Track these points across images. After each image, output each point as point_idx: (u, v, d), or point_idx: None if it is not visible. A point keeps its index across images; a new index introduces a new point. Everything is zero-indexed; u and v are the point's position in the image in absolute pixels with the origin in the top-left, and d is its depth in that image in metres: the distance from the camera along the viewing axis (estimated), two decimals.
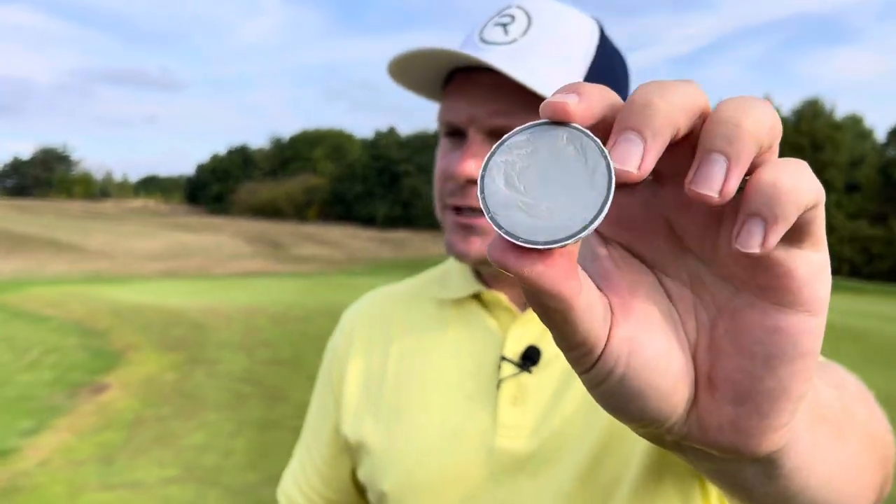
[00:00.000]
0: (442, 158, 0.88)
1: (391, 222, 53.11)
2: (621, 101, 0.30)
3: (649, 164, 0.27)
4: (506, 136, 0.29)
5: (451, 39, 0.85)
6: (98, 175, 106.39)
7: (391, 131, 58.41)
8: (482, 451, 0.83)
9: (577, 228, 0.26)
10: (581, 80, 0.82)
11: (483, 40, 0.82)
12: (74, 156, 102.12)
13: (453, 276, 0.96)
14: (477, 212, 0.84)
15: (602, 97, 0.29)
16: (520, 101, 0.81)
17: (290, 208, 59.51)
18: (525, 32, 0.81)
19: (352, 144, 69.47)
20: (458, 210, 0.85)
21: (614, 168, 0.27)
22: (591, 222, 0.27)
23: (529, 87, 0.77)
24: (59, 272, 20.63)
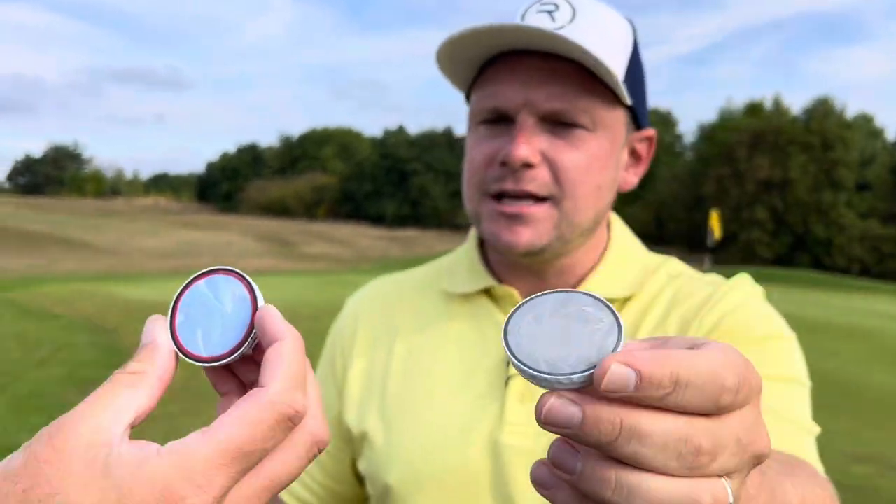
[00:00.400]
0: (479, 145, 0.85)
1: (400, 221, 53.25)
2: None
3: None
4: (545, 293, 0.39)
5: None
6: (109, 173, 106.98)
7: (400, 130, 58.52)
8: (488, 448, 0.83)
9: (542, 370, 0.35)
10: (623, 73, 0.83)
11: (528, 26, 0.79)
12: (85, 154, 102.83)
13: (462, 269, 0.94)
14: (523, 199, 0.82)
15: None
16: (577, 84, 0.80)
17: (299, 207, 59.71)
18: (571, 21, 0.80)
19: (361, 143, 69.59)
20: (499, 198, 0.83)
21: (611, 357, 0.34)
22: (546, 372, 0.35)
23: (605, 65, 0.76)
24: (70, 270, 20.78)
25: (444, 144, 54.43)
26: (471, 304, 0.91)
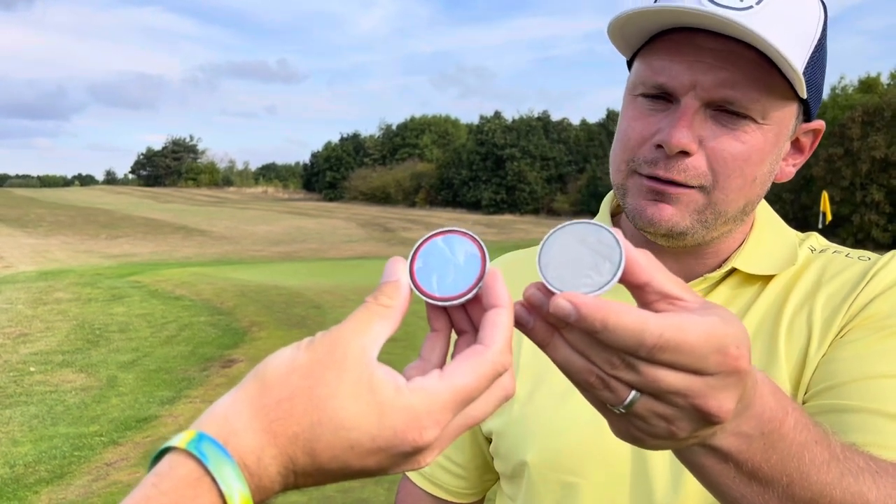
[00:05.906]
0: (637, 120, 0.81)
1: (496, 206, 53.07)
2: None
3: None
4: (570, 222, 0.50)
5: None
6: (222, 164, 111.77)
7: (496, 116, 58.25)
8: None
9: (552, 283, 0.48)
10: (805, 62, 0.76)
11: (712, 0, 0.73)
12: (200, 146, 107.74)
13: None
14: (673, 184, 0.78)
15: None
16: (751, 72, 0.74)
17: (399, 194, 60.55)
18: (760, 0, 0.73)
19: (458, 130, 69.65)
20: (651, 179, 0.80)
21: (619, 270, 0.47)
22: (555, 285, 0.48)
23: (787, 58, 0.70)
24: (188, 255, 22.09)
25: (540, 129, 53.77)
26: None
